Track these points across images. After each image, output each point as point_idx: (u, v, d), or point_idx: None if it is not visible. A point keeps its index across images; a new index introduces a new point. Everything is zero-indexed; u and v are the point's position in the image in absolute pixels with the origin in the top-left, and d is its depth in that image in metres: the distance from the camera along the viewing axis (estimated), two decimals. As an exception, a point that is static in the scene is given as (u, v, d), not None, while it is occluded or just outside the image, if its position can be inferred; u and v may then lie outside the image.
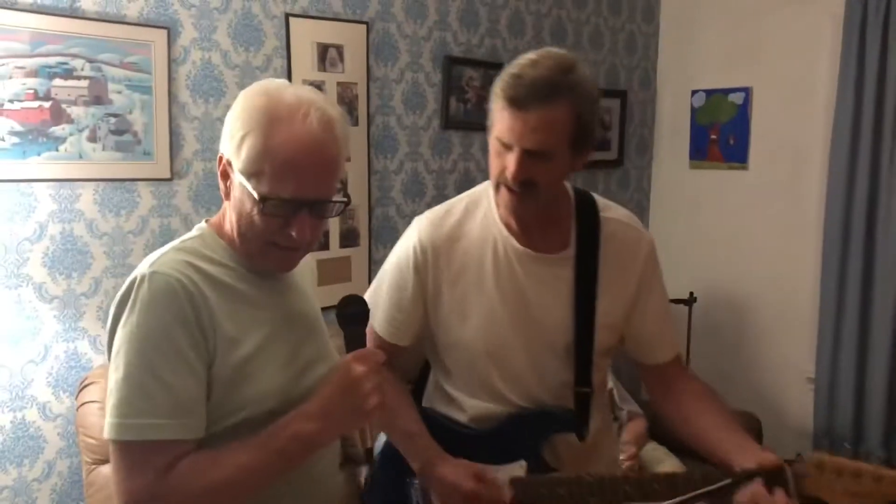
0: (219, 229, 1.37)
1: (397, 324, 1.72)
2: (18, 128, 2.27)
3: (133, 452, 1.19)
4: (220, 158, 1.31)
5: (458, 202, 1.72)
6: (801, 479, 1.43)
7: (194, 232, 1.38)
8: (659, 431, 3.24)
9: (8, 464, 2.33)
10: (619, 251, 1.67)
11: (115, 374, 1.21)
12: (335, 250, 2.99)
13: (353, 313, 1.35)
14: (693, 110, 4.13)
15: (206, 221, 1.40)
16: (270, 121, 1.24)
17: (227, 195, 1.33)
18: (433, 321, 1.70)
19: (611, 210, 1.72)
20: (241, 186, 1.27)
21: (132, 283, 1.24)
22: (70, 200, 2.40)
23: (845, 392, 3.54)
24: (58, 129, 2.34)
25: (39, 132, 2.31)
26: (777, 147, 3.84)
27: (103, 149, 2.43)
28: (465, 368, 1.68)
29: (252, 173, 1.25)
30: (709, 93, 4.07)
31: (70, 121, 2.36)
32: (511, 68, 1.52)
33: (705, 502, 1.46)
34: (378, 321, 1.72)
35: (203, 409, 1.23)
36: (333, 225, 3.01)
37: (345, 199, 1.34)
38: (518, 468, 1.64)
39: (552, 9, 3.75)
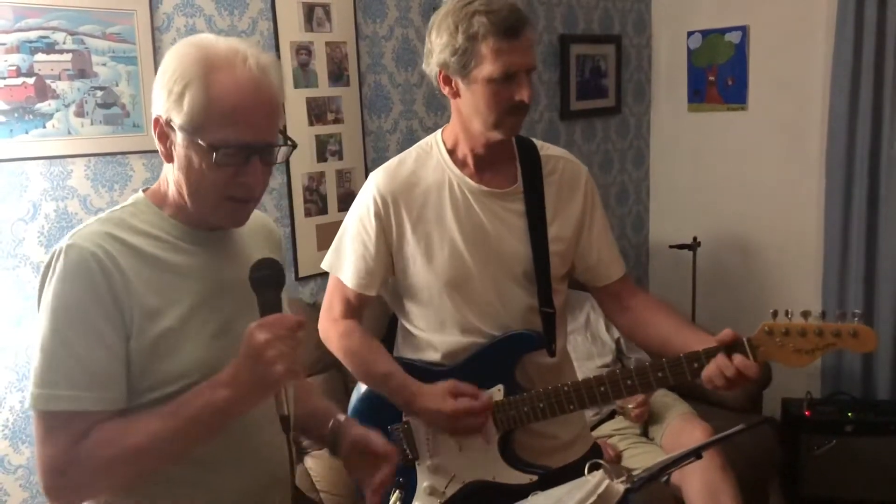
0: (156, 197, 1.34)
1: (364, 273, 1.78)
2: (4, 106, 2.23)
3: (49, 421, 1.21)
4: (157, 121, 1.27)
5: (409, 154, 1.82)
6: (756, 349, 1.57)
7: (129, 201, 1.35)
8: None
9: (20, 443, 2.34)
10: (561, 183, 1.79)
11: (35, 343, 1.23)
12: (333, 214, 2.97)
13: (264, 276, 1.28)
14: (689, 52, 4.06)
15: (144, 191, 1.37)
16: (209, 69, 1.22)
17: (169, 157, 1.29)
18: (399, 265, 1.77)
19: (549, 149, 1.84)
20: (187, 142, 1.24)
21: (52, 254, 1.25)
22: (62, 177, 2.37)
23: (853, 329, 3.53)
24: (44, 106, 2.30)
25: (25, 109, 2.27)
26: (777, 86, 3.78)
27: (91, 123, 2.39)
28: (434, 306, 1.76)
29: (198, 125, 1.22)
30: (705, 33, 3.99)
31: (55, 96, 2.32)
32: (474, 10, 1.59)
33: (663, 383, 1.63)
34: (345, 274, 1.79)
35: (121, 382, 1.24)
36: (331, 189, 2.97)
37: (292, 143, 1.32)
38: (496, 392, 1.72)
39: (542, -45, 3.66)
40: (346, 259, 1.80)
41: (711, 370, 1.58)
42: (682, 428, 2.86)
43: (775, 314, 1.55)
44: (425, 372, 1.76)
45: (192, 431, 1.22)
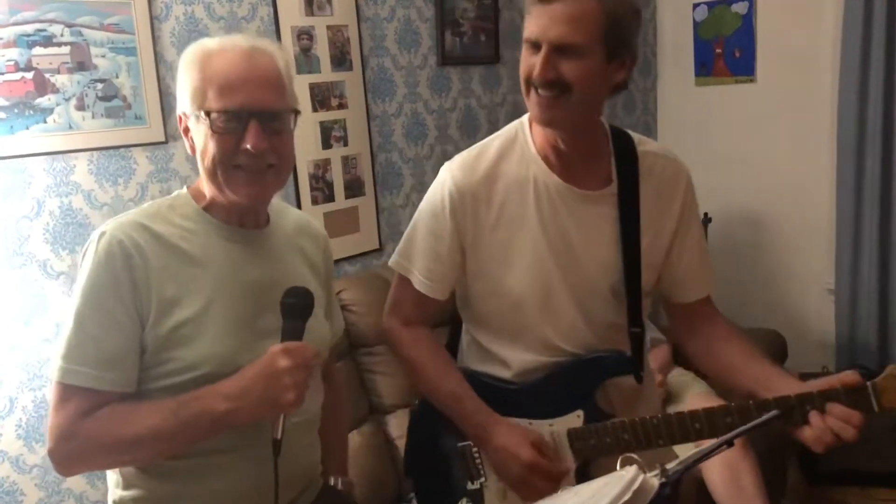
0: (196, 192, 1.46)
1: (435, 276, 1.64)
2: (3, 102, 2.18)
3: (63, 391, 1.31)
4: (180, 119, 1.41)
5: (490, 142, 1.63)
6: (881, 394, 1.37)
7: (174, 193, 1.48)
8: (683, 357, 3.21)
9: (34, 443, 2.31)
10: (659, 186, 1.60)
11: (67, 318, 1.34)
12: (340, 201, 2.92)
13: (293, 305, 1.33)
14: (695, 24, 4.00)
15: (188, 187, 1.49)
16: (205, 56, 1.35)
17: (193, 149, 1.40)
18: (472, 268, 1.62)
19: (647, 144, 1.64)
20: (195, 122, 1.36)
21: (91, 238, 1.36)
22: (65, 173, 2.33)
23: (867, 302, 3.50)
24: (44, 101, 2.25)
25: (25, 105, 2.22)
26: (785, 57, 3.72)
27: (93, 117, 2.34)
28: (508, 318, 1.60)
29: (199, 104, 1.34)
30: (710, 5, 3.93)
31: (55, 90, 2.27)
32: None
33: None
34: (415, 277, 1.65)
35: (132, 366, 1.32)
36: (337, 176, 2.93)
37: (294, 109, 1.39)
38: (575, 418, 1.56)
39: (543, -70, 3.58)
40: (417, 260, 1.64)
41: (820, 424, 1.36)
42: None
43: None
44: (494, 389, 1.61)
45: (188, 433, 1.29)
